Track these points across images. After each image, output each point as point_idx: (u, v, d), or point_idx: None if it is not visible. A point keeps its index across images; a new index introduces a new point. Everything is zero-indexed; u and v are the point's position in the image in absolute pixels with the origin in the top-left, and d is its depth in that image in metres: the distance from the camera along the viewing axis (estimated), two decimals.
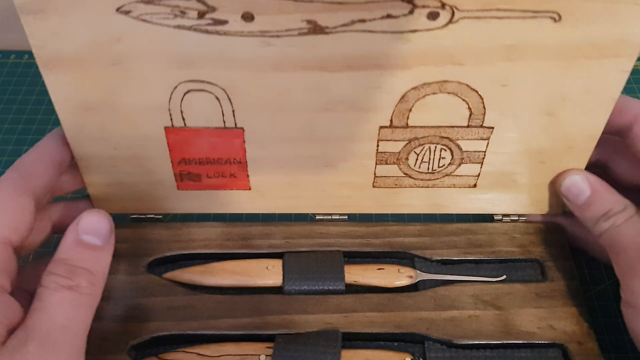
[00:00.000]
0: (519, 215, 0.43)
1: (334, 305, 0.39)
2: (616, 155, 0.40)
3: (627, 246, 0.35)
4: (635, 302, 0.34)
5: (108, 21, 0.31)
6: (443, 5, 0.30)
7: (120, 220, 0.43)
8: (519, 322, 0.38)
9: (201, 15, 0.31)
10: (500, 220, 0.43)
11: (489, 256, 0.41)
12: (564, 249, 0.42)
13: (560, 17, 0.30)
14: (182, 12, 0.31)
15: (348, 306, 0.39)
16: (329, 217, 0.43)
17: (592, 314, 0.40)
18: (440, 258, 0.41)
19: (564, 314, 0.38)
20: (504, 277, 0.40)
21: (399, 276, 0.40)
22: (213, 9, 0.30)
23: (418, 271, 0.40)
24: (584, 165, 0.39)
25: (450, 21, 0.31)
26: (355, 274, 0.40)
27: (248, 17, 0.31)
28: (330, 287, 0.40)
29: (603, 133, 0.37)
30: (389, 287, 0.40)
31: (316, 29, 0.31)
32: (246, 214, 0.45)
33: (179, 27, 0.31)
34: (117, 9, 0.30)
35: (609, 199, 0.37)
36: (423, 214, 0.46)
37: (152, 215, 0.43)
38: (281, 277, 0.40)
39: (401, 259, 0.42)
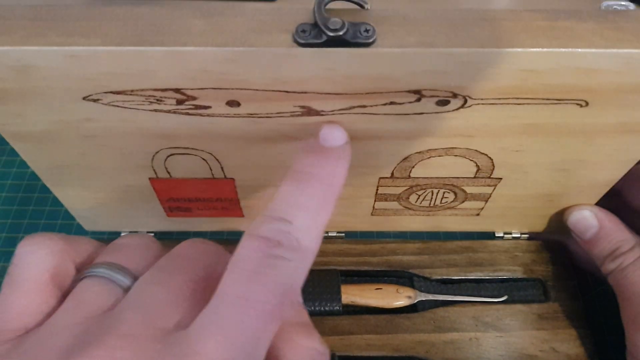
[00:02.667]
0: (521, 233, 0.41)
1: (330, 327, 0.38)
2: (631, 181, 0.37)
3: (632, 294, 0.34)
4: (639, 356, 0.34)
5: (75, 107, 0.27)
6: (455, 95, 0.26)
7: (111, 238, 0.41)
8: (520, 344, 0.38)
9: (180, 102, 0.27)
10: (502, 238, 0.42)
11: (490, 275, 0.40)
12: (567, 267, 0.41)
13: (587, 103, 0.27)
14: (158, 100, 0.27)
15: (345, 328, 0.38)
16: (326, 235, 0.41)
17: (592, 314, 0.40)
18: (439, 277, 0.40)
19: (567, 336, 0.38)
20: (506, 297, 0.40)
21: (398, 296, 0.40)
22: (193, 98, 0.27)
23: (417, 291, 0.40)
24: (594, 202, 0.37)
25: (462, 107, 0.27)
26: (353, 294, 0.40)
27: (234, 103, 0.27)
28: (327, 308, 0.39)
29: None
30: (387, 308, 0.40)
31: (311, 112, 0.28)
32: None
33: (156, 110, 0.28)
34: (84, 98, 0.27)
35: (617, 237, 0.35)
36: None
37: (144, 233, 0.41)
38: None
39: (400, 278, 0.41)
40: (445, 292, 0.40)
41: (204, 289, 0.22)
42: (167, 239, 0.41)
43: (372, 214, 0.38)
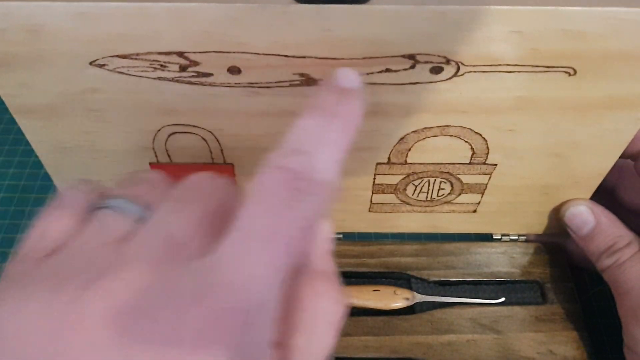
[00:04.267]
0: (519, 235, 0.42)
1: None
2: (624, 179, 0.38)
3: (630, 289, 0.34)
4: (638, 349, 0.33)
5: (81, 74, 0.28)
6: (448, 61, 0.27)
7: None
8: (518, 347, 0.38)
9: (183, 68, 0.28)
10: (500, 240, 0.42)
11: (487, 277, 0.40)
12: (564, 269, 0.41)
13: (575, 71, 0.28)
14: (162, 65, 0.28)
15: (342, 329, 0.38)
16: None
17: (590, 316, 0.39)
18: (437, 279, 0.40)
19: (564, 339, 0.38)
20: (503, 299, 0.40)
21: (395, 298, 0.39)
22: (196, 63, 0.28)
23: (415, 293, 0.40)
24: (589, 196, 0.37)
25: (454, 75, 0.28)
26: (350, 296, 0.39)
27: (234, 70, 0.28)
28: None
29: None
30: (385, 310, 0.39)
31: (309, 81, 0.29)
32: None
33: (159, 78, 0.29)
34: (91, 63, 0.28)
35: (614, 232, 0.36)
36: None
37: None
38: None
39: (397, 279, 0.41)
40: (442, 294, 0.40)
41: (218, 221, 0.22)
42: None
43: (369, 210, 0.39)
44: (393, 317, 0.39)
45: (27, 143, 0.33)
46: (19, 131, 0.33)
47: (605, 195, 0.38)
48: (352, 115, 0.24)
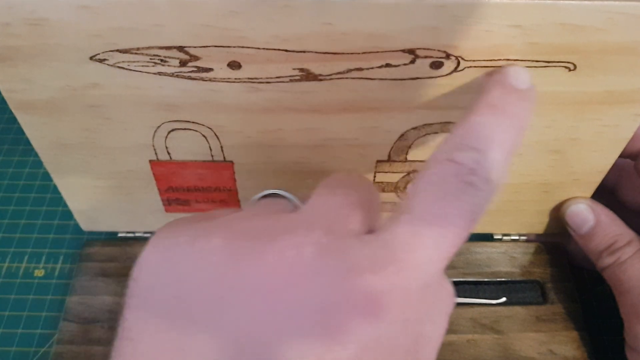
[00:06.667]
0: (519, 234, 0.42)
1: None
2: (625, 178, 0.38)
3: (631, 287, 0.34)
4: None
5: (82, 69, 0.28)
6: (448, 56, 0.27)
7: (108, 238, 0.42)
8: (518, 347, 0.37)
9: (183, 63, 0.28)
10: (500, 240, 0.42)
11: (488, 277, 0.40)
12: (565, 269, 0.41)
13: (575, 66, 0.28)
14: (162, 60, 0.28)
15: None
16: None
17: (590, 316, 0.39)
18: None
19: (565, 339, 0.38)
20: (504, 299, 0.39)
21: None
22: (196, 58, 0.28)
23: None
24: (589, 195, 0.37)
25: (455, 70, 0.28)
26: None
27: (235, 65, 0.28)
28: None
29: None
30: None
31: (309, 76, 0.29)
32: None
33: (160, 74, 0.29)
34: (91, 58, 0.28)
35: (614, 231, 0.36)
36: None
37: (141, 234, 0.41)
38: None
39: None
40: None
41: (365, 210, 0.23)
42: None
43: None
44: None
45: (27, 142, 0.33)
46: (19, 130, 0.33)
47: (606, 194, 0.38)
48: (524, 118, 0.25)
